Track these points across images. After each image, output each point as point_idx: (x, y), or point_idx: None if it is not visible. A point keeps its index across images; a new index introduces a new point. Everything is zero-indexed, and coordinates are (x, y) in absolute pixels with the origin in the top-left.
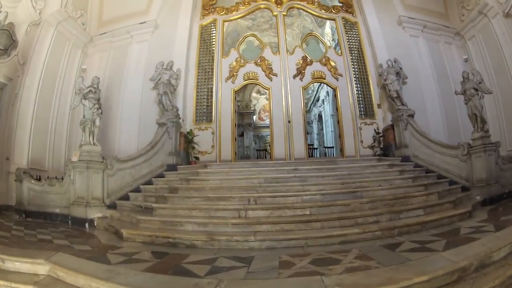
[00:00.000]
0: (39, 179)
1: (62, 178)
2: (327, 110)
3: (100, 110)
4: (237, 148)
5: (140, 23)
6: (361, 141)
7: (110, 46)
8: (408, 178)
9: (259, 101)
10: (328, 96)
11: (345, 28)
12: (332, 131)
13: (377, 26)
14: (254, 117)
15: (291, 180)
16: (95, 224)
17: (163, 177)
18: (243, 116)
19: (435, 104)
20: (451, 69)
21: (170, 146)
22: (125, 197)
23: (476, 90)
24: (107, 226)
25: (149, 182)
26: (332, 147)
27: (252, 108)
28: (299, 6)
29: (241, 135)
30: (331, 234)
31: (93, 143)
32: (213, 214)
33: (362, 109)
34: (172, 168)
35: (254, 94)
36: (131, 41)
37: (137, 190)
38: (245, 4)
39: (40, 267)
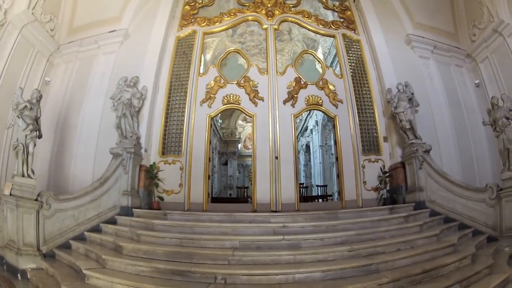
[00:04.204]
0: None
1: None
2: (315, 140)
3: (36, 133)
4: (221, 178)
5: (110, 32)
6: (364, 182)
7: (76, 57)
8: (432, 236)
9: (245, 129)
10: (317, 125)
11: (346, 47)
12: (320, 162)
13: (383, 45)
14: (239, 145)
15: (277, 245)
16: (29, 277)
17: (115, 222)
18: (228, 144)
19: (448, 136)
20: (463, 95)
21: (126, 183)
22: (67, 245)
23: (508, 119)
24: (39, 283)
25: (96, 228)
26: (325, 186)
27: (237, 136)
28: (293, 19)
29: (225, 163)
30: None
31: (27, 174)
32: None
33: (365, 142)
34: (126, 211)
35: (240, 122)
36: (98, 52)
37: (81, 237)
38: (230, 15)
39: None
